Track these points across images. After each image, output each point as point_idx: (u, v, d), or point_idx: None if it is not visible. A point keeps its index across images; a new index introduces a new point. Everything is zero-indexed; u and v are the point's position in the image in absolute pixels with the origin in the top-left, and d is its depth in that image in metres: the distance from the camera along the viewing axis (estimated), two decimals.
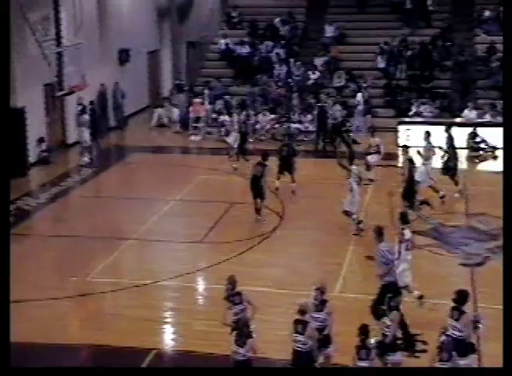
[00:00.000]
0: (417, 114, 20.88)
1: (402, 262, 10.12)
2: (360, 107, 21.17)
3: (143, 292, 11.42)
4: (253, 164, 14.69)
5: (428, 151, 14.89)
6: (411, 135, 19.01)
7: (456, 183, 15.36)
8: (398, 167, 16.38)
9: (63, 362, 9.46)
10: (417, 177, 14.22)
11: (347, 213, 13.42)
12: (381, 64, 23.20)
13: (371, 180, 15.98)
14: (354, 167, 13.63)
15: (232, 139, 18.34)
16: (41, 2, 17.67)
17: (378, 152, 16.28)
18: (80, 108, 19.29)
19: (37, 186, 17.25)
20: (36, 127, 18.25)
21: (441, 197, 14.94)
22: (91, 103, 20.48)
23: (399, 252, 10.10)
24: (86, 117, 19.41)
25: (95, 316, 10.76)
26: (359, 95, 21.43)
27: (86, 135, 18.95)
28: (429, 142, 15.00)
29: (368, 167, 16.05)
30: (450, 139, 15.37)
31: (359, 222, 13.39)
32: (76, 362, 9.61)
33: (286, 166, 15.57)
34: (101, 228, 14.16)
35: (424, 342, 9.48)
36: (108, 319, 10.66)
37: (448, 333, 8.15)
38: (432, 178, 14.86)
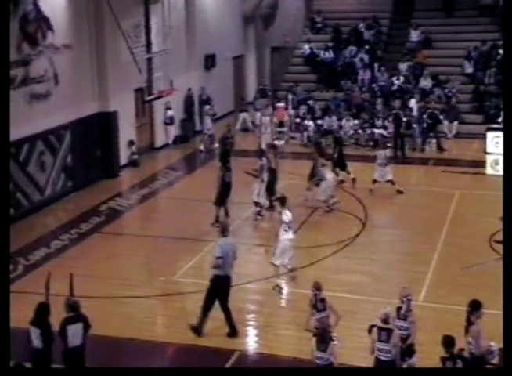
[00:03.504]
0: None
1: (280, 242, 11.42)
2: (415, 114, 20.74)
3: None
4: (219, 168, 15.16)
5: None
6: (500, 142, 18.50)
7: None
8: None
9: (148, 358, 9.80)
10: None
11: (256, 203, 14.89)
12: (469, 69, 22.68)
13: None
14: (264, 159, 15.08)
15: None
16: (133, 11, 18.35)
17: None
18: (202, 99, 22.09)
19: (127, 187, 17.94)
20: (127, 130, 18.96)
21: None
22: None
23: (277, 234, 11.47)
24: (208, 107, 21.22)
25: (181, 316, 11.06)
26: (413, 101, 20.99)
27: (209, 123, 20.92)
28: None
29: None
30: None
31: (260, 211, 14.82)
32: (160, 359, 9.93)
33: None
34: (186, 229, 14.55)
35: None
36: (193, 319, 10.95)
37: None
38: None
